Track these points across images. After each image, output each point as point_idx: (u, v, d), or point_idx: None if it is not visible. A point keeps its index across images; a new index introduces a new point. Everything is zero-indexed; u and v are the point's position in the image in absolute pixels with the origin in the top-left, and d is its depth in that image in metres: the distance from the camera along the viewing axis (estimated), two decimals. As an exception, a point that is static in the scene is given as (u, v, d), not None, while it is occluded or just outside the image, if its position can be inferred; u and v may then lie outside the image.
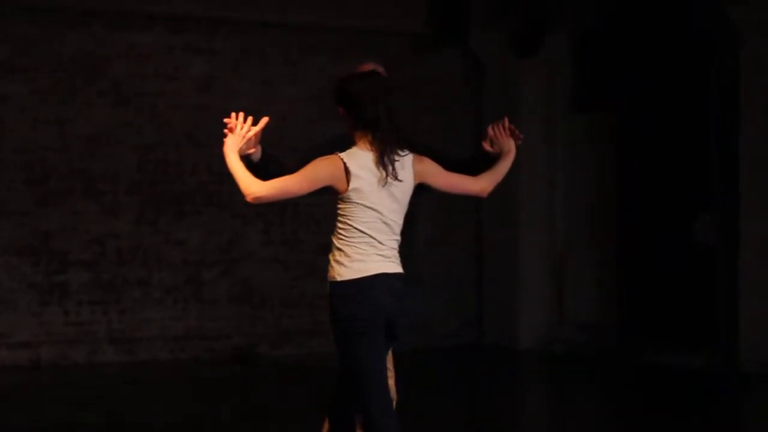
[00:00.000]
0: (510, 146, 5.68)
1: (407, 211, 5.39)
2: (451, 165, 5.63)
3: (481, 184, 5.58)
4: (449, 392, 11.03)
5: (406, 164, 5.32)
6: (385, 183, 5.22)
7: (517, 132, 5.71)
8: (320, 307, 11.90)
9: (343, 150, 5.26)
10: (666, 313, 12.58)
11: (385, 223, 5.27)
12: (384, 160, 5.23)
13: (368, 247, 5.24)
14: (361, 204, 5.23)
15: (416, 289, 5.26)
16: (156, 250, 12.65)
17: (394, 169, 5.24)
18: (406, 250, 5.44)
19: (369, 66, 5.81)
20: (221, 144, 5.26)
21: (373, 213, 5.24)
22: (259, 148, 5.44)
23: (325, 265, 5.32)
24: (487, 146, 5.73)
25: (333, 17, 13.20)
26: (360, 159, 5.23)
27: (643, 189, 12.97)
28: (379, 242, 5.25)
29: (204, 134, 12.51)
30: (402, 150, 5.31)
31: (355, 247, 5.23)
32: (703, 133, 12.18)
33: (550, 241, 13.73)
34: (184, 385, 11.55)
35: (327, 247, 5.24)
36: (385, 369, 5.34)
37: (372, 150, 5.25)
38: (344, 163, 5.21)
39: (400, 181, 5.27)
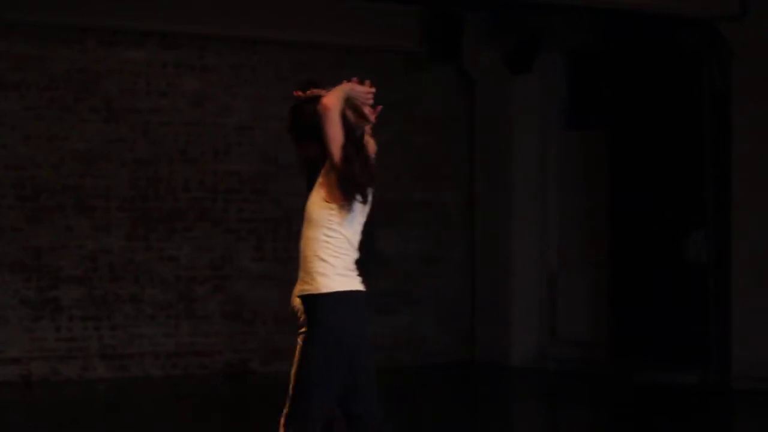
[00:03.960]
0: None
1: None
2: None
3: None
4: (441, 409, 11.00)
5: None
6: None
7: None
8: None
9: None
10: (658, 330, 12.57)
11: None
12: None
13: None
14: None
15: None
16: (148, 266, 12.63)
17: None
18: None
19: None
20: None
21: None
22: None
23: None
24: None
25: (325, 35, 13.21)
26: None
27: (636, 206, 12.98)
28: None
29: (196, 150, 12.53)
30: None
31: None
32: (695, 151, 12.20)
33: (543, 258, 13.72)
34: (175, 401, 11.52)
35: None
36: None
37: None
38: None
39: None
